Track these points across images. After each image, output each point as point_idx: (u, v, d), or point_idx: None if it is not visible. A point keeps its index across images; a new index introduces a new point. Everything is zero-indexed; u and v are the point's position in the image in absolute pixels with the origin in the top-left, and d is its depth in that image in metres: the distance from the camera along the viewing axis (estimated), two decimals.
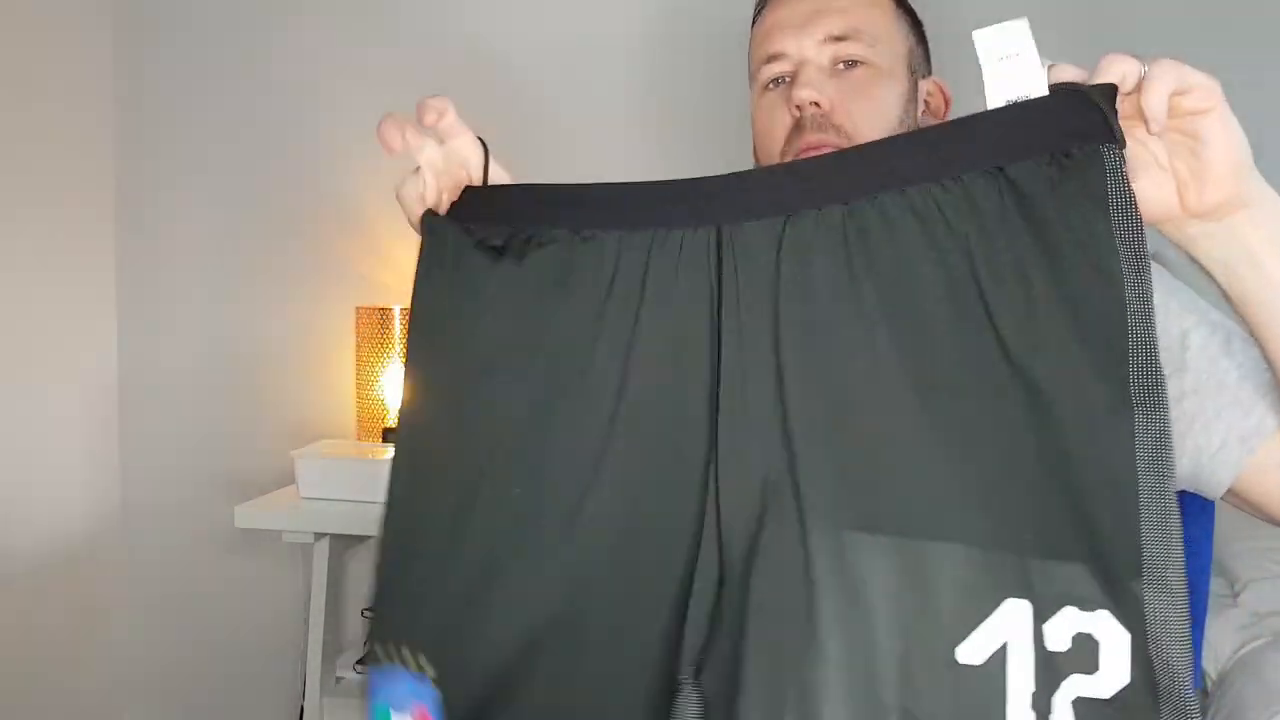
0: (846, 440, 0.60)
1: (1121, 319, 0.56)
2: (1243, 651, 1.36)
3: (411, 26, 2.03)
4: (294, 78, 2.09)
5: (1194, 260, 0.66)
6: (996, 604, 0.57)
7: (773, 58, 0.91)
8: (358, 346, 1.93)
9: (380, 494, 1.72)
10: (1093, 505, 0.56)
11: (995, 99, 0.60)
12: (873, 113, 0.87)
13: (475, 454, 0.69)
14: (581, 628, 0.65)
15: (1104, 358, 0.56)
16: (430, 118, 0.75)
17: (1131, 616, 0.55)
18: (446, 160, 0.78)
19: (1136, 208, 0.57)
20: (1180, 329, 0.75)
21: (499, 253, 0.71)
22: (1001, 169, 0.58)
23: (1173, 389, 0.67)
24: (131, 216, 2.17)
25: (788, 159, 0.88)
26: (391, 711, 0.68)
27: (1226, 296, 0.66)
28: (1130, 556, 0.55)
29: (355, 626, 1.98)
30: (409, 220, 0.81)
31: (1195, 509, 0.87)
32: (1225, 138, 0.60)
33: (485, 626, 0.66)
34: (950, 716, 0.57)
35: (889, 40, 0.91)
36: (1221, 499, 0.75)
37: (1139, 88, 0.59)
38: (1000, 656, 0.56)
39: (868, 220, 0.61)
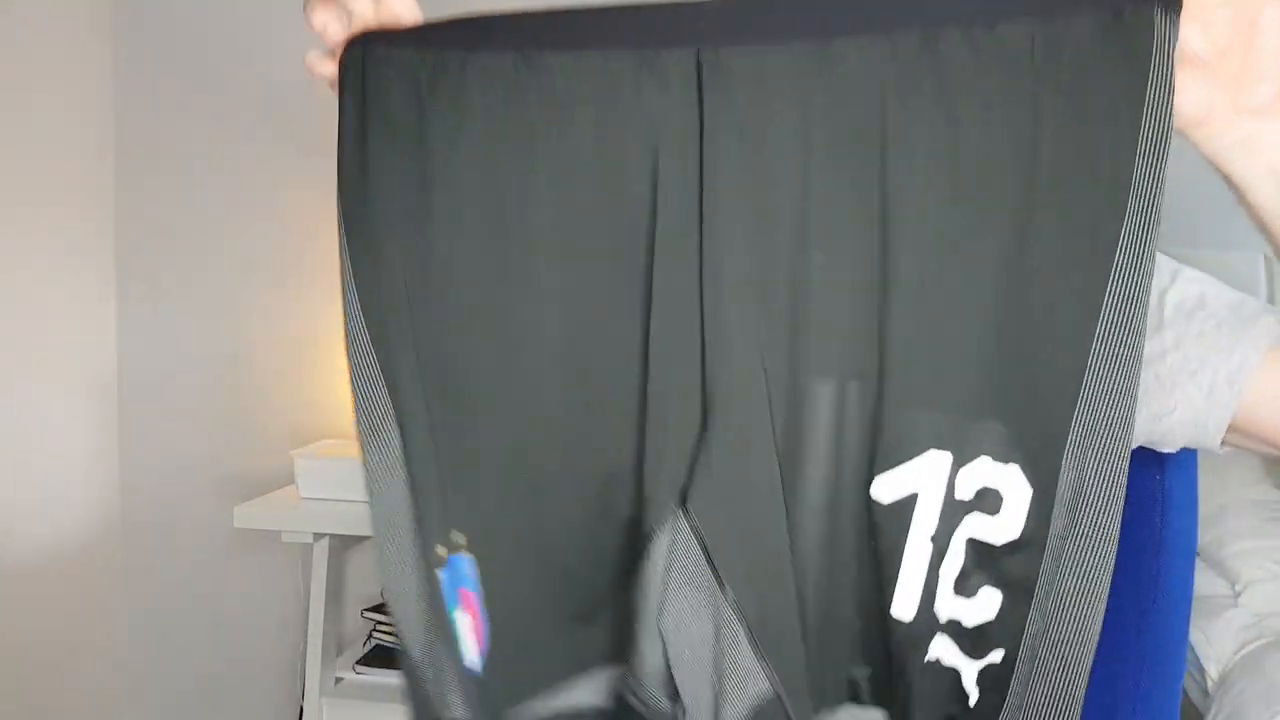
0: (818, 280, 0.60)
1: (1122, 201, 0.55)
2: (1244, 651, 1.36)
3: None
4: (294, 77, 2.08)
5: (1227, 176, 0.65)
6: (921, 452, 0.60)
7: None
8: None
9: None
10: (1040, 363, 0.57)
11: None
12: None
13: (446, 320, 0.69)
14: (556, 462, 0.66)
15: (1094, 234, 0.56)
16: None
17: (1042, 475, 0.58)
18: (378, 15, 0.68)
19: (1172, 81, 0.55)
20: (1158, 289, 0.74)
21: (434, 85, 0.65)
22: (1039, 18, 0.55)
23: (1154, 346, 0.69)
24: (131, 216, 2.17)
25: None
26: (454, 612, 0.69)
27: (1256, 212, 0.65)
28: (1059, 422, 0.57)
29: (355, 626, 1.98)
30: (329, 82, 0.72)
31: (1175, 462, 0.86)
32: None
33: (482, 477, 0.68)
34: (857, 543, 0.62)
35: None
36: (1225, 445, 0.73)
37: None
38: (910, 501, 0.60)
39: (907, 53, 0.57)
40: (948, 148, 0.57)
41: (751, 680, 0.63)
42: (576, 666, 0.70)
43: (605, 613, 0.68)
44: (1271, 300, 1.66)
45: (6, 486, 1.93)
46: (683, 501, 0.63)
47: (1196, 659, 1.42)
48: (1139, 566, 0.87)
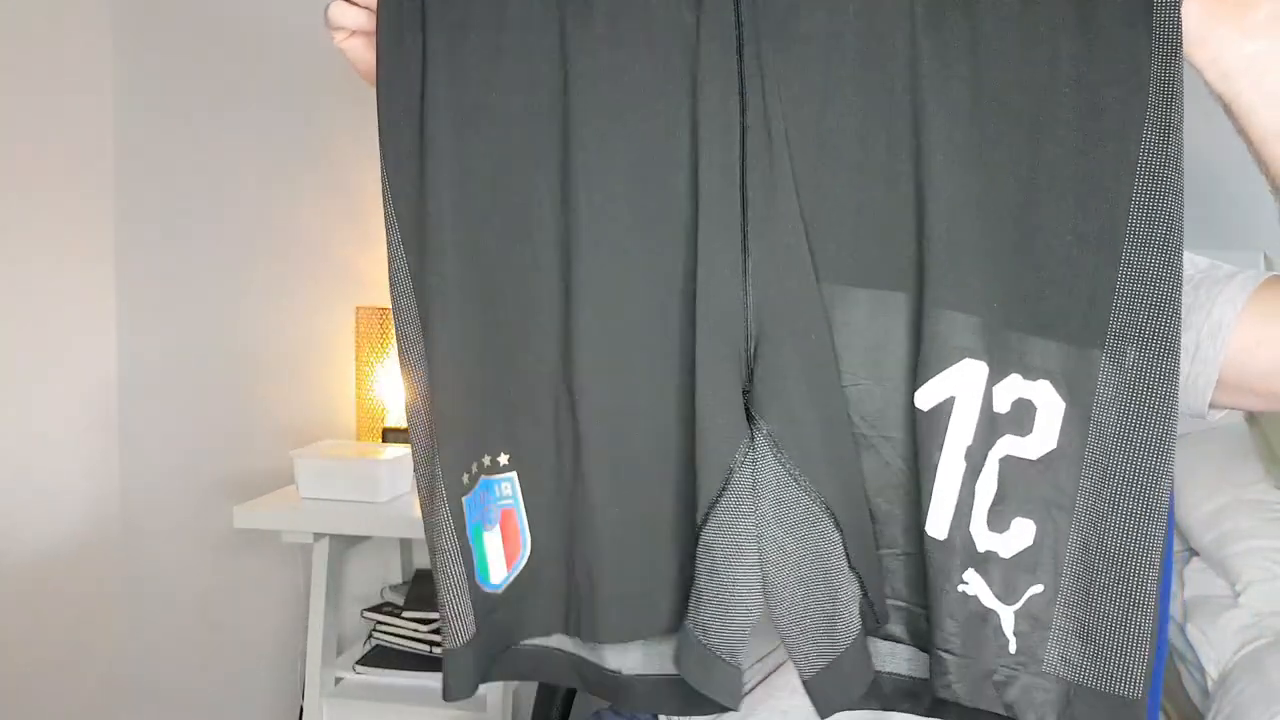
0: (858, 200, 0.62)
1: (1142, 101, 0.59)
2: (1244, 651, 1.36)
3: None
4: (294, 76, 2.08)
5: (1229, 103, 0.67)
6: (956, 361, 0.61)
7: None
8: (358, 346, 1.93)
9: (379, 494, 1.72)
10: (1073, 281, 0.59)
11: None
12: None
13: (494, 238, 0.66)
14: (608, 389, 0.66)
15: (1118, 135, 0.59)
16: None
17: (1076, 388, 0.60)
18: None
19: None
20: None
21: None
22: None
23: None
24: (131, 216, 2.17)
25: None
26: (483, 529, 0.68)
27: (1256, 137, 0.67)
28: (1097, 323, 0.59)
29: (355, 626, 1.98)
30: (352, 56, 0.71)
31: None
32: None
33: (530, 399, 0.67)
34: (900, 454, 0.64)
35: None
36: (1214, 409, 0.74)
37: None
38: (947, 407, 0.61)
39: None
40: (973, 58, 0.59)
41: (851, 587, 0.64)
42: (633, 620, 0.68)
43: (672, 557, 0.67)
44: None
45: (7, 486, 1.93)
46: (752, 427, 0.63)
47: (1197, 659, 1.41)
48: None
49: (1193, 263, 0.75)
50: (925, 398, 0.62)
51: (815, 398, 0.63)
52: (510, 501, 0.68)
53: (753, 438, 0.63)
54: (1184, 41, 0.60)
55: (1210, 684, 1.38)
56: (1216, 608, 1.45)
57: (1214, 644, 1.40)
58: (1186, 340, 0.71)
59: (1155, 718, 0.96)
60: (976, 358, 0.61)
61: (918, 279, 0.62)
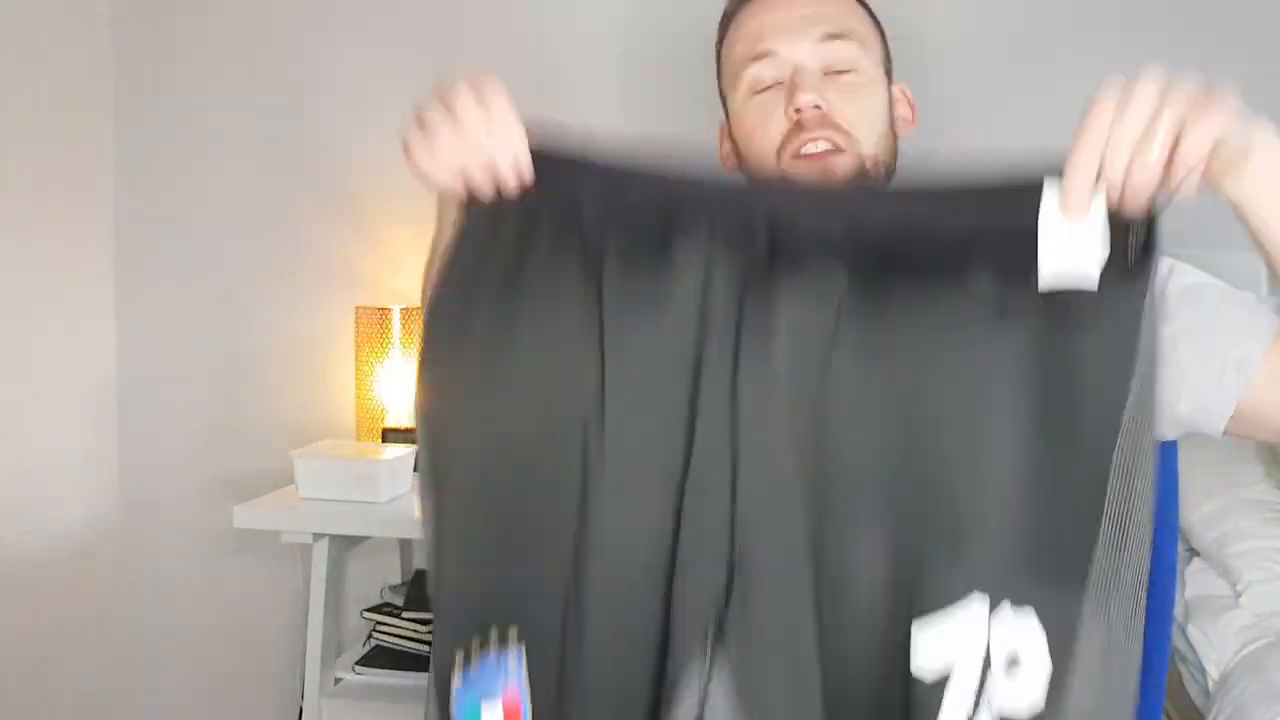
0: (848, 432, 0.67)
1: (1121, 402, 0.62)
2: (1245, 652, 1.36)
3: (412, 25, 2.03)
4: (294, 76, 2.08)
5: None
6: (961, 598, 0.64)
7: (761, 56, 0.90)
8: (358, 346, 1.93)
9: (378, 494, 1.72)
10: (1054, 532, 0.64)
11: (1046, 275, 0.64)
12: (866, 117, 0.90)
13: (525, 444, 0.72)
14: (605, 594, 0.71)
15: (1099, 413, 0.63)
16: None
17: (1059, 629, 0.63)
18: (489, 123, 0.75)
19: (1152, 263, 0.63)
20: (1158, 282, 0.76)
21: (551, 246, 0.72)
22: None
23: (1162, 335, 0.72)
24: (131, 216, 2.17)
25: (785, 158, 0.89)
26: (482, 705, 0.70)
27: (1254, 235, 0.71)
28: (1076, 579, 0.63)
29: (355, 626, 1.98)
30: (428, 180, 0.77)
31: (1162, 482, 0.89)
32: (1201, 151, 0.64)
33: (543, 592, 0.72)
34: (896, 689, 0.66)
35: (871, 41, 0.93)
36: (1226, 433, 0.77)
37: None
38: (944, 679, 0.64)
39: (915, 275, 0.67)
40: (966, 336, 0.66)
41: None
42: None
43: None
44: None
45: (7, 486, 1.93)
46: (717, 638, 0.67)
47: (1197, 659, 1.41)
48: None
49: (1198, 280, 0.77)
50: (926, 659, 0.65)
51: (781, 624, 0.67)
52: (515, 676, 0.71)
53: (711, 660, 0.66)
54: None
55: (1211, 684, 1.38)
56: (1217, 608, 1.45)
57: (1215, 644, 1.40)
58: (1211, 366, 0.74)
59: (1157, 719, 0.96)
60: (980, 594, 0.64)
61: (911, 515, 0.66)
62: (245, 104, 2.10)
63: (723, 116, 0.99)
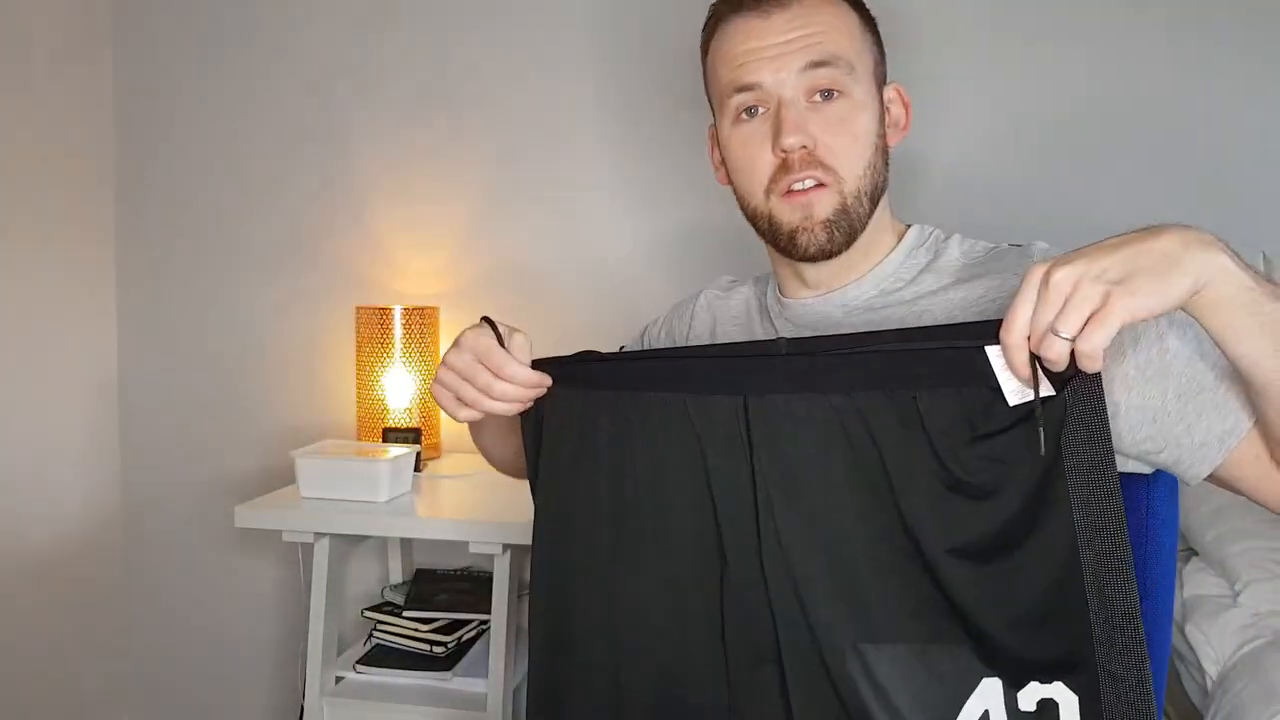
0: (848, 572, 0.77)
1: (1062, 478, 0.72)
2: (1243, 651, 1.36)
3: (412, 25, 2.03)
4: (295, 77, 2.09)
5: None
6: (977, 684, 0.74)
7: (746, 88, 0.90)
8: (358, 346, 1.93)
9: (379, 493, 1.72)
10: (1051, 610, 0.73)
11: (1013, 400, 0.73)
12: (853, 146, 0.90)
13: (597, 568, 0.86)
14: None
15: (1049, 513, 0.73)
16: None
17: (1083, 688, 0.72)
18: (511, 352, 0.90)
19: (1105, 434, 0.70)
20: (1157, 332, 0.80)
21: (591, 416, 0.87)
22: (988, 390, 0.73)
23: (1155, 392, 0.79)
24: (131, 217, 2.17)
25: (774, 198, 0.91)
26: None
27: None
28: (1083, 648, 0.72)
29: (355, 626, 1.98)
30: (454, 415, 0.91)
31: (1163, 489, 0.92)
32: (1146, 309, 0.66)
33: (622, 706, 0.84)
34: None
35: (860, 59, 0.92)
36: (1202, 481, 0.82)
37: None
38: (985, 718, 0.74)
39: (870, 409, 0.76)
40: (936, 473, 0.75)
41: None
42: None
43: None
44: None
45: (8, 486, 1.93)
46: None
47: (1196, 658, 1.42)
48: None
49: (1197, 335, 0.80)
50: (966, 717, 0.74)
51: None
52: None
53: None
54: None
55: (1209, 684, 1.38)
56: (1215, 607, 1.45)
57: (1213, 644, 1.40)
58: (1195, 433, 0.79)
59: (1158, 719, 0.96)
60: (991, 675, 0.74)
61: (930, 634, 0.75)
62: (246, 103, 2.11)
63: (711, 122, 0.99)
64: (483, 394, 0.87)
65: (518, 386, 0.87)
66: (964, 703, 0.74)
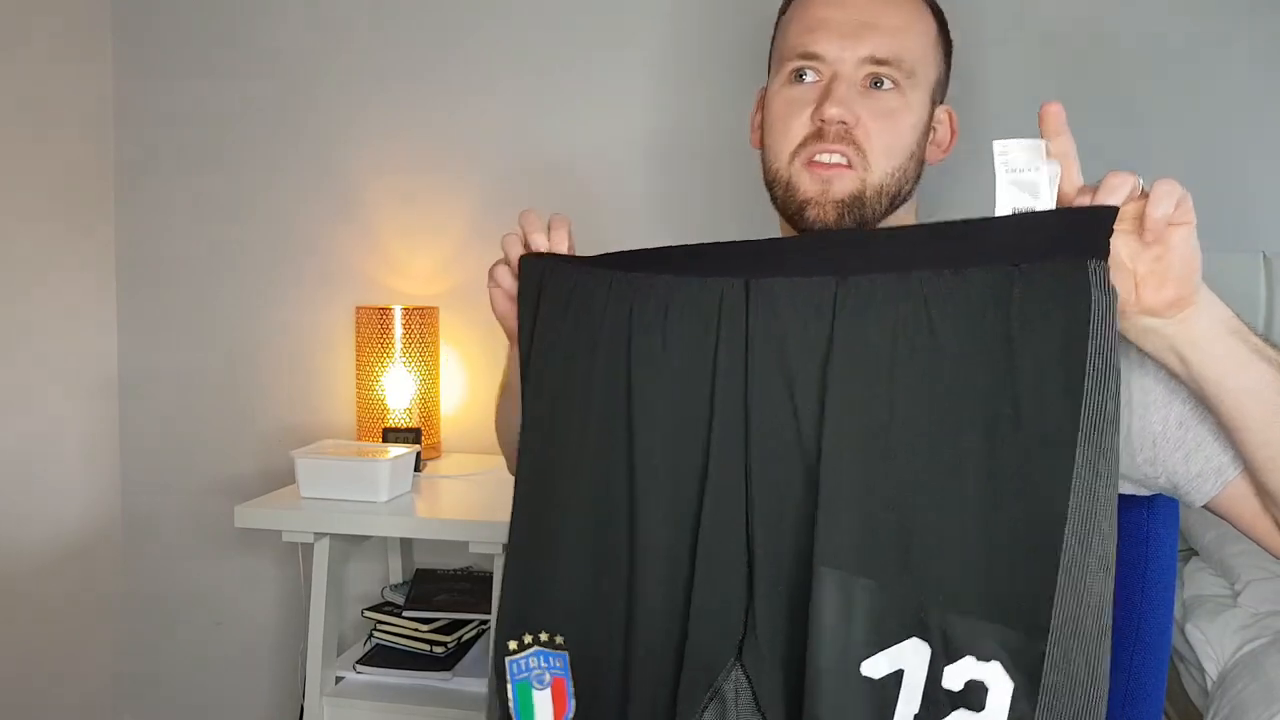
0: (831, 476, 0.73)
1: (1074, 426, 0.66)
2: (1243, 651, 1.36)
3: (412, 27, 2.03)
4: (295, 76, 2.09)
5: (1143, 350, 0.75)
6: (901, 639, 0.70)
7: (808, 56, 0.90)
8: (358, 346, 1.93)
9: (379, 493, 1.72)
10: (1014, 580, 0.68)
11: (1004, 207, 0.69)
12: (890, 141, 0.89)
13: (579, 469, 0.82)
14: (649, 609, 0.79)
15: (1051, 455, 0.67)
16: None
17: (1023, 673, 0.67)
18: (551, 243, 0.93)
19: (1114, 316, 0.67)
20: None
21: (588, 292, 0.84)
22: (1005, 267, 0.69)
23: (1157, 418, 0.79)
24: (131, 216, 2.17)
25: (798, 162, 0.90)
26: (533, 688, 0.83)
27: (1176, 376, 0.75)
28: (1038, 627, 0.67)
29: (355, 626, 1.98)
30: (506, 328, 0.94)
31: (1163, 510, 0.95)
32: (1188, 248, 0.69)
33: (595, 606, 0.81)
34: (850, 716, 0.71)
35: (924, 68, 0.91)
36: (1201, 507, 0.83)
37: (1137, 198, 0.69)
38: (895, 678, 0.70)
39: (879, 293, 0.72)
40: (935, 367, 0.70)
41: None
42: None
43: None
44: (1271, 301, 1.66)
45: (8, 486, 1.93)
46: (739, 655, 0.76)
47: (1196, 658, 1.42)
48: (1125, 599, 0.93)
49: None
50: (873, 667, 0.71)
51: (790, 648, 0.75)
52: (561, 671, 0.83)
53: (739, 663, 0.76)
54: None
55: (1209, 683, 1.38)
56: (1215, 607, 1.45)
57: (1213, 643, 1.41)
58: (1193, 464, 0.79)
59: (1158, 719, 0.96)
60: (920, 638, 0.70)
61: (877, 561, 0.71)
62: (247, 103, 2.10)
63: (763, 86, 0.98)
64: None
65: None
66: (879, 650, 0.71)
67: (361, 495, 1.65)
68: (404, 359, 1.90)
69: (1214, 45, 1.76)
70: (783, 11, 0.97)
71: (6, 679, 1.92)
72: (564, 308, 0.84)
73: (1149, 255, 0.70)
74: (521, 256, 0.89)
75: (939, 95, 0.95)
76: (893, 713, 0.70)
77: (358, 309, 1.94)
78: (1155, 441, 0.79)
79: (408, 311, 1.91)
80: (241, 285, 2.13)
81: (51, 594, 2.03)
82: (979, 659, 0.68)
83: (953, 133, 0.98)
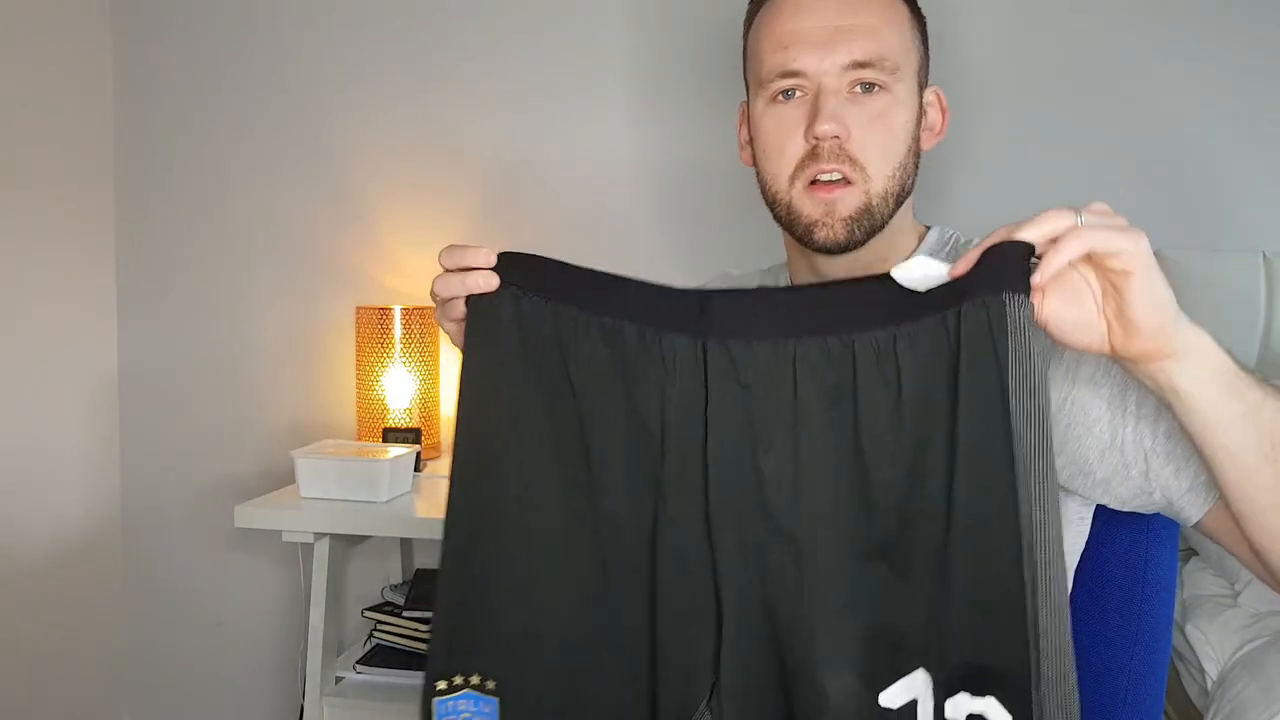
0: (812, 535, 0.72)
1: (1010, 466, 0.65)
2: (1243, 651, 1.36)
3: (413, 28, 2.03)
4: (295, 76, 2.09)
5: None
6: (913, 669, 0.69)
7: (789, 74, 0.89)
8: (358, 346, 1.93)
9: (379, 493, 1.72)
10: (988, 619, 0.67)
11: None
12: (886, 143, 0.88)
13: (522, 508, 0.78)
14: (597, 656, 0.77)
15: (997, 493, 0.66)
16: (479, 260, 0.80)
17: (1017, 705, 0.65)
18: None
19: (1035, 352, 0.66)
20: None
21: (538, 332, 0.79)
22: (940, 314, 0.69)
23: (1148, 430, 0.78)
24: (131, 216, 2.17)
25: (798, 187, 0.89)
26: None
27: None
28: (1019, 662, 0.65)
29: (355, 626, 1.98)
30: (451, 340, 0.86)
31: (1160, 529, 0.95)
32: (1146, 299, 0.65)
33: (534, 651, 0.77)
34: None
35: (906, 59, 0.90)
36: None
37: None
38: (911, 707, 0.69)
39: (832, 355, 0.72)
40: (897, 416, 0.70)
41: None
42: None
43: None
44: (1271, 300, 1.66)
45: (8, 486, 1.93)
46: (709, 698, 0.73)
47: (1196, 659, 1.42)
48: (1123, 622, 0.97)
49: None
50: (891, 698, 0.70)
51: (762, 688, 0.73)
52: (490, 718, 0.77)
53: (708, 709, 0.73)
54: (1081, 344, 0.69)
55: (1209, 684, 1.38)
56: (1215, 607, 1.45)
57: (1213, 644, 1.41)
58: (1184, 477, 0.78)
59: (1158, 719, 0.96)
60: (926, 669, 0.69)
61: (859, 601, 0.71)
62: (246, 103, 2.10)
63: (744, 99, 0.97)
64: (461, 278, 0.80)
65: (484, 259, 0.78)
66: (894, 682, 0.70)
67: (361, 495, 1.65)
68: (404, 359, 1.90)
69: (1214, 44, 1.77)
70: (748, 22, 0.96)
71: (6, 678, 1.92)
72: (511, 348, 0.80)
73: (1109, 306, 0.67)
74: (470, 297, 0.81)
75: (924, 78, 0.94)
76: None
77: (358, 309, 1.94)
78: (1146, 455, 0.78)
79: (408, 311, 1.91)
80: (241, 285, 2.13)
81: (51, 593, 2.03)
82: (972, 695, 0.67)
83: (943, 112, 0.97)
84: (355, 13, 2.06)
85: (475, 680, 0.77)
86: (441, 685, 0.77)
